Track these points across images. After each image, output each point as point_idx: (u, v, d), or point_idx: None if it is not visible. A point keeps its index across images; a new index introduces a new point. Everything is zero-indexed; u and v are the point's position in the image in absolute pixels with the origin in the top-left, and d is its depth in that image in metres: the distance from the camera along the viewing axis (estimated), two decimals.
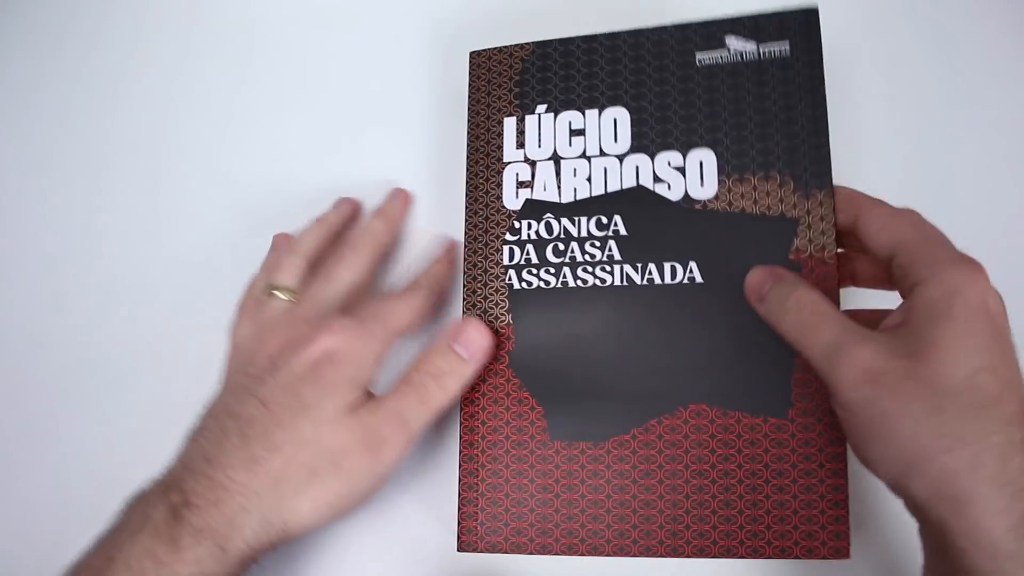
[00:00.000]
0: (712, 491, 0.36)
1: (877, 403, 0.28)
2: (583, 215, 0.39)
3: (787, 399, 0.36)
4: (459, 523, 0.38)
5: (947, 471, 0.26)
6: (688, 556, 0.36)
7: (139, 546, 0.31)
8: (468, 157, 0.41)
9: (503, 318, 0.39)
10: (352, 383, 0.36)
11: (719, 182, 0.38)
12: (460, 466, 0.39)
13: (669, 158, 0.39)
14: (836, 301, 0.36)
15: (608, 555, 0.37)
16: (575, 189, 0.40)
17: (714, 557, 0.36)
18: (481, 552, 0.38)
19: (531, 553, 0.37)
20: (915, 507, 0.29)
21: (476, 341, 0.37)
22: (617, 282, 0.38)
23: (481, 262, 0.40)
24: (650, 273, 0.38)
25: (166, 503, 0.33)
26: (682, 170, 0.38)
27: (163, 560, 0.31)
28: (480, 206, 0.41)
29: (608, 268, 0.39)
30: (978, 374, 0.27)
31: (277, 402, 0.35)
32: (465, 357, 0.37)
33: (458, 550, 0.38)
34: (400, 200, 0.45)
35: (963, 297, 0.28)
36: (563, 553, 0.37)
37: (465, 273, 0.40)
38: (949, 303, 0.28)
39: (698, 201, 0.38)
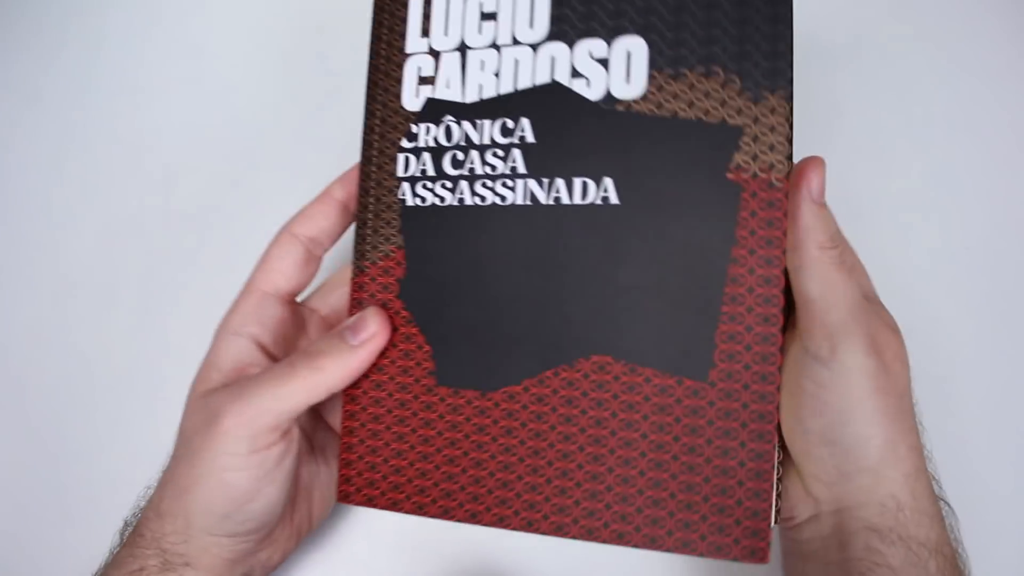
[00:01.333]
0: (609, 463, 0.29)
1: (878, 376, 0.27)
2: (487, 118, 0.32)
3: (708, 358, 0.28)
4: (339, 471, 0.33)
5: (912, 447, 0.28)
6: (573, 537, 0.30)
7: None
8: (370, 47, 0.35)
9: (394, 239, 0.33)
10: (205, 370, 0.33)
11: (649, 78, 0.30)
12: (343, 408, 0.34)
13: (591, 47, 0.31)
14: (783, 235, 0.28)
15: (487, 524, 0.31)
16: (481, 86, 0.32)
17: (604, 542, 0.29)
18: (358, 504, 0.33)
19: (407, 512, 0.32)
20: (851, 488, 0.28)
21: (368, 328, 0.32)
22: (519, 200, 0.31)
23: (374, 173, 0.34)
24: (557, 191, 0.31)
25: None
26: (605, 62, 0.30)
27: None
28: (378, 106, 0.34)
29: (510, 183, 0.31)
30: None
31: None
32: (351, 341, 0.32)
33: (336, 500, 0.34)
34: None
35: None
36: (439, 516, 0.32)
37: (359, 187, 0.34)
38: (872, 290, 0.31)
39: (621, 101, 0.30)
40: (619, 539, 0.29)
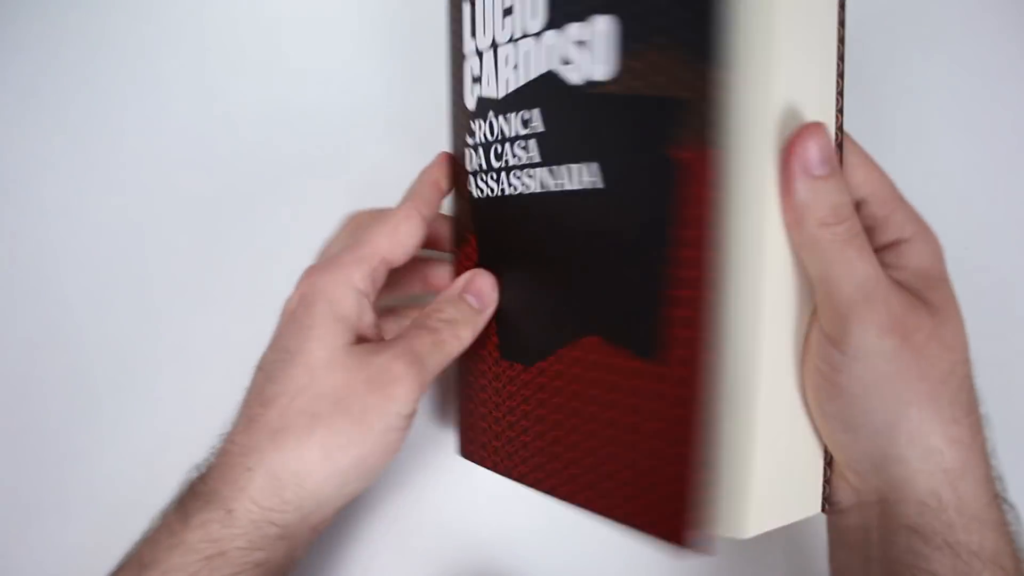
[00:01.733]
0: (585, 434, 0.31)
1: (900, 358, 0.25)
2: (512, 111, 0.34)
3: (655, 340, 0.28)
4: (461, 430, 0.39)
5: (954, 440, 0.25)
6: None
7: (161, 523, 0.31)
8: (448, 49, 0.39)
9: (470, 226, 0.38)
10: (333, 319, 0.31)
11: (618, 57, 0.29)
12: (462, 374, 0.39)
13: (573, 31, 0.31)
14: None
15: (528, 485, 0.35)
16: (507, 81, 0.34)
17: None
18: (476, 462, 0.38)
19: (504, 475, 0.37)
20: (886, 481, 0.26)
21: (486, 292, 0.35)
22: (536, 188, 0.33)
23: (459, 169, 0.38)
24: (560, 177, 0.32)
25: (187, 481, 0.32)
26: (585, 44, 0.30)
27: (175, 530, 0.30)
28: (455, 107, 0.38)
29: (531, 172, 0.33)
30: (968, 346, 0.26)
31: (268, 360, 0.33)
32: (476, 307, 0.34)
33: (461, 455, 0.39)
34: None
35: (945, 265, 0.28)
36: (525, 483, 0.35)
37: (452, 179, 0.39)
38: (941, 269, 0.27)
39: (597, 84, 0.30)
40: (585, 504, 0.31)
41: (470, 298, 0.34)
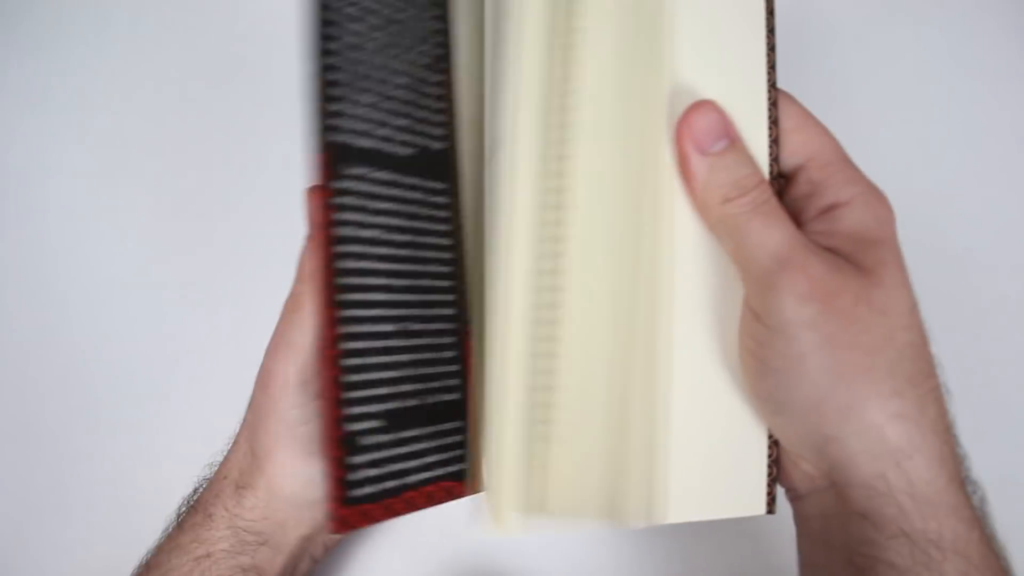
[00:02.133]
0: None
1: (824, 326, 0.22)
2: None
3: None
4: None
5: (896, 415, 0.22)
6: None
7: (166, 530, 0.32)
8: None
9: None
10: (287, 346, 0.31)
11: None
12: None
13: None
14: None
15: None
16: None
17: None
18: None
19: None
20: (830, 464, 0.24)
21: None
22: None
23: None
24: None
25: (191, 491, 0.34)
26: None
27: (173, 535, 0.31)
28: None
29: None
30: (914, 311, 0.24)
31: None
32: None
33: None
34: None
35: (891, 229, 0.24)
36: None
37: None
38: (882, 232, 0.24)
39: None
40: None
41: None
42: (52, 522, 0.40)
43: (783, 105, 0.26)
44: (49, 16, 0.50)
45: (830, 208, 0.25)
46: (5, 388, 0.45)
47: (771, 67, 0.26)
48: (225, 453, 0.32)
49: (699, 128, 0.25)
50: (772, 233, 0.24)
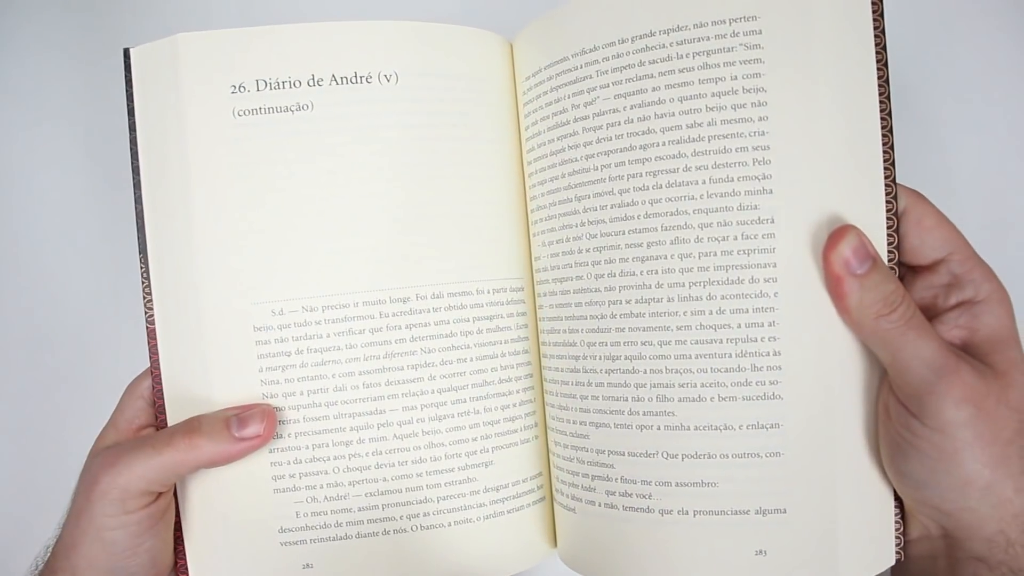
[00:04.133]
0: None
1: (975, 426, 0.27)
2: None
3: None
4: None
5: (1021, 490, 0.27)
6: None
7: None
8: None
9: None
10: (109, 423, 0.34)
11: None
12: None
13: None
14: None
15: None
16: None
17: None
18: None
19: None
20: (955, 522, 0.28)
21: (253, 425, 0.32)
22: None
23: None
24: None
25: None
26: None
27: None
28: None
29: None
30: None
31: None
32: (235, 433, 0.32)
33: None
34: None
35: (1015, 328, 0.29)
36: None
37: None
38: (1012, 329, 0.29)
39: None
40: None
41: (234, 422, 0.32)
42: (53, 523, 0.38)
43: (921, 205, 0.30)
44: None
45: (969, 302, 0.29)
46: (6, 388, 0.45)
47: (890, 169, 0.29)
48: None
49: (848, 253, 0.28)
50: (927, 345, 0.27)
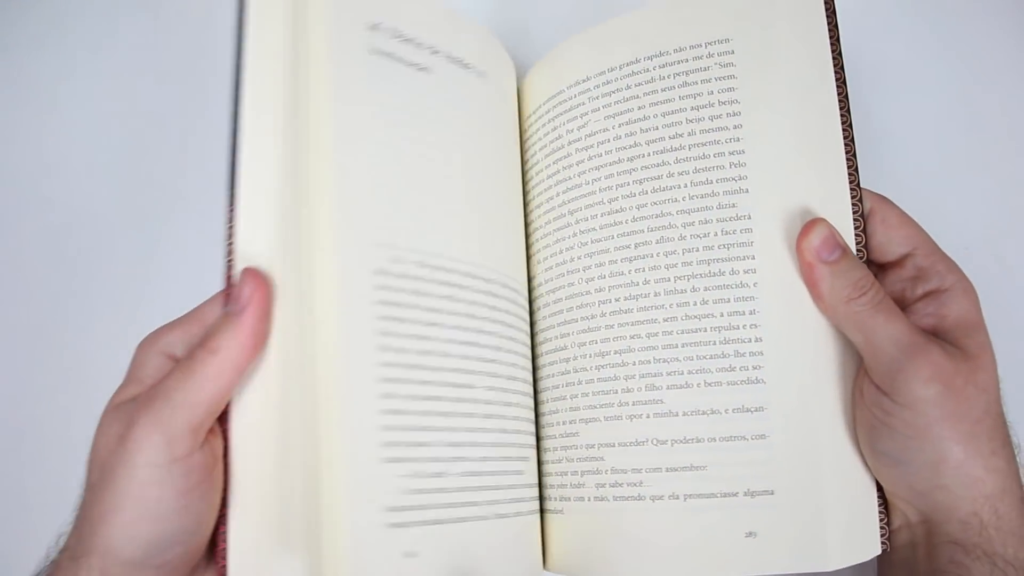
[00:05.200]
0: None
1: (944, 404, 0.28)
2: None
3: None
4: None
5: (993, 469, 0.29)
6: None
7: None
8: None
9: None
10: (123, 385, 0.31)
11: None
12: None
13: None
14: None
15: None
16: None
17: None
18: None
19: None
20: (930, 504, 0.29)
21: (242, 288, 0.29)
22: None
23: None
24: None
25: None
26: None
27: None
28: None
29: None
30: (999, 386, 0.30)
31: None
32: (230, 310, 0.29)
33: None
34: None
35: (981, 314, 0.31)
36: None
37: None
38: (978, 315, 0.31)
39: None
40: None
41: (228, 304, 0.29)
42: (53, 522, 0.35)
43: (885, 206, 0.32)
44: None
45: (935, 292, 0.31)
46: (5, 388, 0.44)
47: (853, 174, 0.32)
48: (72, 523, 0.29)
49: (817, 242, 0.30)
50: (895, 326, 0.29)
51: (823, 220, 0.31)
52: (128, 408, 0.28)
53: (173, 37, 0.50)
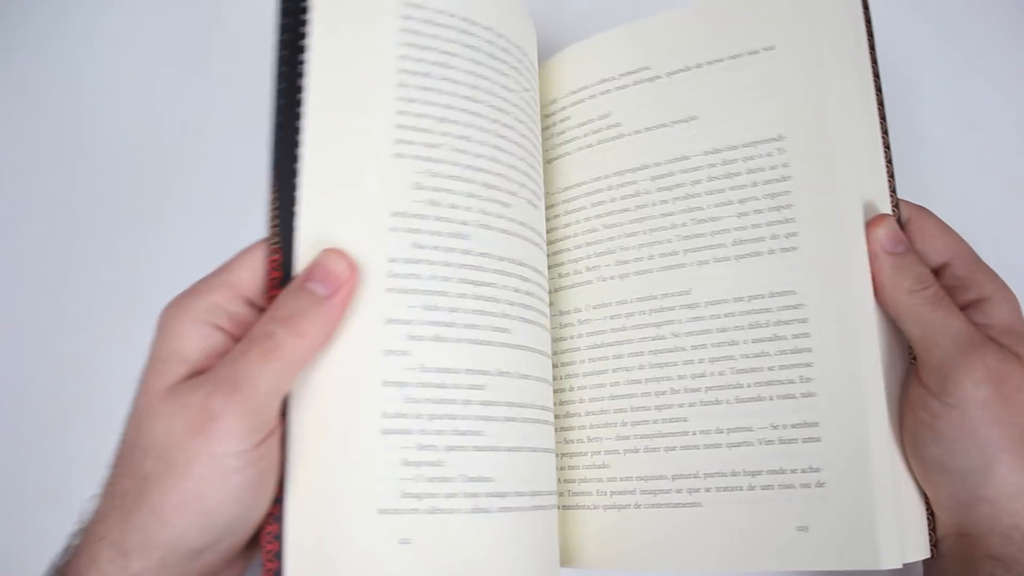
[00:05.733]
0: None
1: (992, 408, 0.28)
2: None
3: None
4: None
5: None
6: None
7: None
8: None
9: None
10: (163, 358, 0.28)
11: None
12: None
13: None
14: None
15: None
16: None
17: None
18: None
19: None
20: (972, 516, 0.29)
21: (336, 271, 0.28)
22: None
23: None
24: None
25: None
26: None
27: None
28: None
29: None
30: None
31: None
32: (322, 293, 0.28)
33: None
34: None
35: (1023, 318, 0.31)
36: None
37: None
38: (1021, 323, 0.31)
39: None
40: None
41: (313, 285, 0.28)
42: (53, 522, 0.35)
43: (923, 216, 0.32)
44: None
45: (977, 301, 0.31)
46: (5, 387, 0.44)
47: (891, 180, 0.33)
48: (96, 509, 0.27)
49: (883, 234, 0.31)
50: (953, 322, 0.29)
51: (888, 216, 0.31)
52: (197, 397, 0.26)
53: (177, 32, 0.51)
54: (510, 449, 0.30)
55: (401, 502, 0.28)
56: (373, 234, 0.29)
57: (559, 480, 0.35)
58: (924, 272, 0.31)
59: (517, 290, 0.32)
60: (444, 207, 0.30)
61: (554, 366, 0.36)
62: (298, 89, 0.30)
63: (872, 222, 0.31)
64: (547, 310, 0.34)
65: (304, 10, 0.30)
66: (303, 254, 0.29)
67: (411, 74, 0.31)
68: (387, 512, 0.28)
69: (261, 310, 0.29)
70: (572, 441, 0.35)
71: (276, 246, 0.29)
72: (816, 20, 0.33)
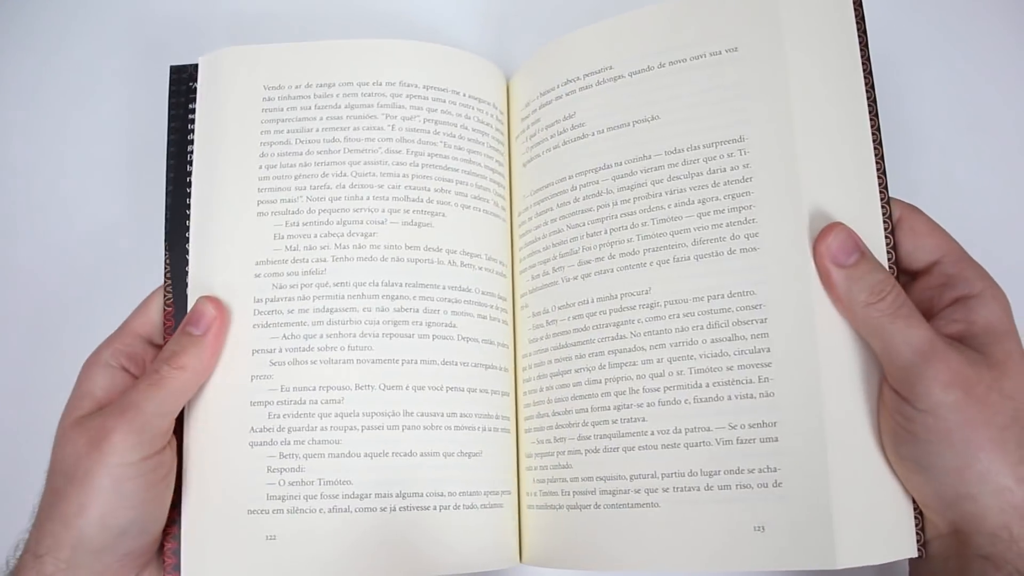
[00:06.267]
0: None
1: (964, 410, 0.28)
2: None
3: None
4: None
5: (1021, 480, 0.28)
6: None
7: None
8: None
9: None
10: (77, 397, 0.34)
11: None
12: None
13: None
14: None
15: None
16: None
17: None
18: None
19: None
20: (959, 515, 0.29)
21: (205, 313, 0.34)
22: None
23: None
24: None
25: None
26: None
27: None
28: None
29: None
30: None
31: None
32: (196, 333, 0.34)
33: None
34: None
35: (1012, 320, 0.30)
36: None
37: None
38: (1008, 322, 0.30)
39: None
40: None
41: (190, 327, 0.34)
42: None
43: (913, 215, 0.32)
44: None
45: (963, 298, 0.31)
46: (5, 387, 0.45)
47: (882, 178, 0.32)
48: (28, 529, 0.32)
49: (835, 246, 0.30)
50: (914, 332, 0.29)
51: (841, 224, 0.31)
52: (96, 421, 0.32)
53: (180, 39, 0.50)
54: (370, 455, 0.33)
55: (267, 503, 0.33)
56: (241, 281, 0.35)
57: (531, 480, 0.35)
58: (880, 280, 0.30)
59: (383, 309, 0.34)
60: (301, 250, 0.35)
61: (526, 368, 0.36)
62: (187, 166, 0.36)
63: (821, 234, 0.30)
64: (441, 319, 0.35)
65: (190, 100, 0.37)
66: (191, 303, 0.35)
67: (270, 144, 0.36)
68: (255, 512, 0.33)
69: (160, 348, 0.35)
70: (542, 442, 0.35)
71: (170, 299, 0.35)
72: (780, 23, 0.32)
